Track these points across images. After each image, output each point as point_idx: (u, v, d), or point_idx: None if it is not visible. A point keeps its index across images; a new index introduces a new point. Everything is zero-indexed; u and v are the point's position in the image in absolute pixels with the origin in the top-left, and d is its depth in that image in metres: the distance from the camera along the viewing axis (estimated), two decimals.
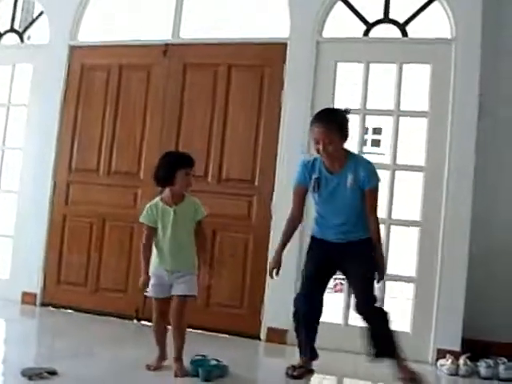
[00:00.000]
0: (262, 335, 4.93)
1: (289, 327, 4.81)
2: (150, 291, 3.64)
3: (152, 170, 5.14)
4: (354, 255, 3.81)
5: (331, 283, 9.22)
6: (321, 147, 3.69)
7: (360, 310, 3.79)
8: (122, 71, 5.55)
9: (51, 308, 5.47)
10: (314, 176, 3.82)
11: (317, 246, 3.96)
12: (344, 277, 4.07)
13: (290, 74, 5.03)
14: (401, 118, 4.82)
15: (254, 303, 4.99)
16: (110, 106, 5.56)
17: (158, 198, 3.62)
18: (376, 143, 17.77)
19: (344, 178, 3.76)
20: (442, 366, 4.39)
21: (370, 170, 3.79)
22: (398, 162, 4.85)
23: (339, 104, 4.96)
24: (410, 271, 4.78)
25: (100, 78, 5.61)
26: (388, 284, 4.79)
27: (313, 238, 4.01)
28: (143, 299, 5.06)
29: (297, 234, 4.74)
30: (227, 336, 4.96)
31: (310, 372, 4.00)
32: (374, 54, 4.89)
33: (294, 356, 4.60)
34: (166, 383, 3.53)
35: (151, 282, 3.61)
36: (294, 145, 4.94)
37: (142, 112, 5.45)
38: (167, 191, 3.58)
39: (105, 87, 5.59)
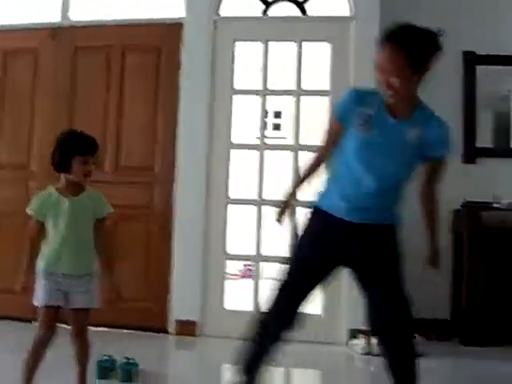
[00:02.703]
0: (171, 328, 4.75)
1: (197, 318, 4.68)
2: (40, 298, 2.87)
3: (44, 160, 4.96)
4: (384, 248, 2.71)
5: (240, 268, 9.21)
6: (382, 77, 2.54)
7: (391, 339, 2.71)
8: (6, 57, 5.15)
9: None
10: (368, 110, 2.61)
11: (324, 226, 2.73)
12: (358, 280, 2.78)
13: (188, 54, 4.84)
14: (302, 98, 4.74)
15: (159, 295, 4.79)
16: None
17: (52, 186, 2.97)
18: (277, 127, 17.80)
19: (409, 126, 2.60)
20: (354, 345, 4.37)
21: (447, 132, 2.67)
22: (301, 142, 4.76)
23: (239, 84, 4.86)
24: None
25: None
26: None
27: (317, 213, 2.76)
28: None
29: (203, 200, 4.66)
30: (133, 332, 4.74)
31: None
32: (272, 33, 4.78)
33: (204, 348, 4.50)
34: None
35: (42, 286, 2.87)
36: (194, 128, 4.79)
37: (30, 100, 5.09)
38: (62, 179, 2.95)
39: None
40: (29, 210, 2.95)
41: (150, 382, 3.51)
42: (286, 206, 2.84)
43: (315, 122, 5.57)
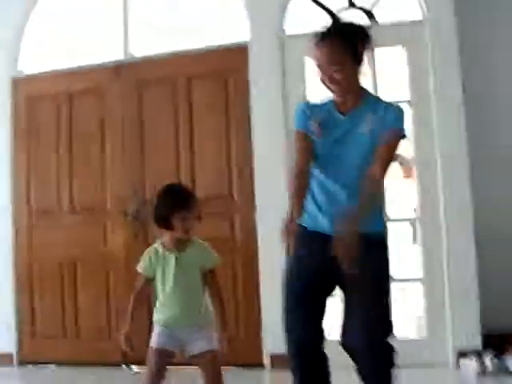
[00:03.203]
0: (265, 362, 4.54)
1: None
2: (154, 341, 2.91)
3: (119, 200, 4.89)
4: (364, 258, 2.41)
5: None
6: (326, 76, 2.55)
7: (362, 345, 2.53)
8: (72, 98, 5.09)
9: (31, 366, 4.96)
10: (319, 116, 2.60)
11: (307, 245, 2.60)
12: (341, 293, 2.69)
13: (256, 76, 4.67)
14: None
15: (251, 329, 4.58)
16: (64, 138, 5.09)
17: (158, 242, 2.97)
18: None
19: (359, 119, 2.57)
20: (466, 366, 4.07)
21: (397, 111, 2.60)
22: None
23: (312, 99, 4.65)
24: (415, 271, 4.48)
25: (49, 109, 5.14)
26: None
27: (300, 230, 2.59)
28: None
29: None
30: (227, 367, 4.55)
31: None
32: None
33: None
34: None
35: (157, 332, 2.92)
36: (270, 151, 4.59)
37: (99, 139, 5.01)
38: (167, 235, 2.92)
39: (55, 118, 5.12)
40: (138, 268, 2.94)
41: None
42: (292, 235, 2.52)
43: None
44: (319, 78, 2.59)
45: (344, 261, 2.34)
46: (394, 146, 2.56)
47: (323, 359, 2.70)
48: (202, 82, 4.83)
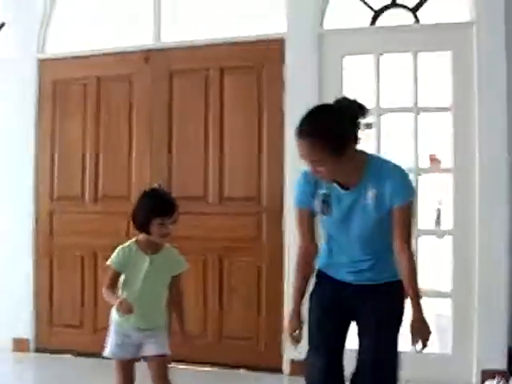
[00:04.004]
0: (285, 368, 4.43)
1: None
2: (111, 352, 3.04)
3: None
4: (374, 305, 2.62)
5: None
6: (309, 166, 2.52)
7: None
8: (100, 83, 4.96)
9: (47, 354, 4.93)
10: (321, 191, 2.61)
11: (326, 284, 2.76)
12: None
13: (291, 73, 4.47)
14: (421, 115, 4.30)
15: (272, 333, 4.47)
16: (90, 124, 4.97)
17: (132, 241, 3.09)
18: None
19: (363, 190, 2.55)
20: None
21: (400, 179, 2.55)
22: (421, 165, 4.36)
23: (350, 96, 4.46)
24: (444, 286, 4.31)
25: (76, 93, 5.01)
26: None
27: (320, 273, 2.80)
28: None
29: None
30: (245, 371, 4.47)
31: None
32: (384, 44, 4.34)
33: None
34: None
35: (113, 341, 3.05)
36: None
37: (127, 127, 4.88)
38: (143, 236, 3.06)
39: (82, 102, 4.99)
40: (110, 262, 3.03)
41: None
42: (297, 327, 2.71)
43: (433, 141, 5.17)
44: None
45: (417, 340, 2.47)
46: (407, 216, 2.57)
47: None
48: (235, 74, 4.65)
